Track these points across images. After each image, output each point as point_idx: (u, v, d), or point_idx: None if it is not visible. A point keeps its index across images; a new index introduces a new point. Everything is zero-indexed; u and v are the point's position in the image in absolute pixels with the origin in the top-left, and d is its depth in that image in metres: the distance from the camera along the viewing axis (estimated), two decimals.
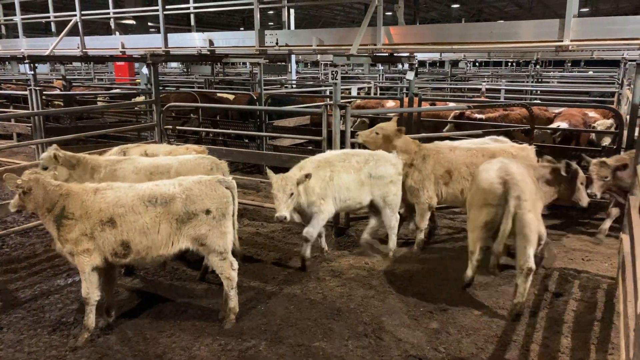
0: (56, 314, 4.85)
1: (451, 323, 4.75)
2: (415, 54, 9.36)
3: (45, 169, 5.38)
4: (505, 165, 4.92)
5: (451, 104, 11.49)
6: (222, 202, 4.50)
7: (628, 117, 7.77)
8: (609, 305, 5.03)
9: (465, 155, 6.33)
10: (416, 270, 5.89)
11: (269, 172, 5.46)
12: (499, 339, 4.47)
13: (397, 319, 4.82)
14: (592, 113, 10.45)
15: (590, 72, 24.47)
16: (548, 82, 20.87)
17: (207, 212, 4.41)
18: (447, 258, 6.29)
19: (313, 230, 5.75)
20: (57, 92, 13.68)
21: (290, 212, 5.36)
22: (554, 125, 9.19)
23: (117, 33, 13.30)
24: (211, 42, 10.14)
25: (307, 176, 5.39)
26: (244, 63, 29.09)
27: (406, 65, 9.40)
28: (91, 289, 4.30)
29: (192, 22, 12.17)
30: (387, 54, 8.83)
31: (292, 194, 5.31)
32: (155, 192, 4.39)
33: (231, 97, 13.52)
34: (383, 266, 6.00)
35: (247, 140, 11.22)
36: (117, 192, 4.37)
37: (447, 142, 6.75)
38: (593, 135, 9.46)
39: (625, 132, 7.52)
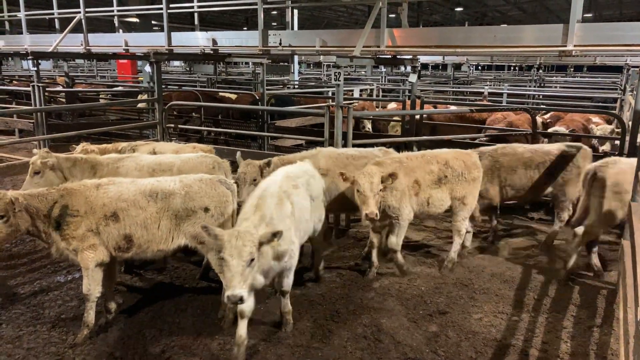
0: (56, 310, 4.85)
1: (450, 326, 4.75)
2: (418, 56, 9.39)
3: (37, 173, 5.39)
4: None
5: (452, 107, 11.50)
6: (222, 202, 4.52)
7: (630, 122, 7.76)
8: (609, 311, 5.02)
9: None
10: (416, 273, 5.88)
11: (210, 228, 3.79)
12: (498, 343, 4.47)
13: (396, 321, 4.81)
14: (595, 119, 10.47)
15: (588, 79, 24.46)
16: (550, 87, 20.89)
17: (206, 210, 4.45)
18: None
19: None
20: (60, 88, 13.69)
21: (249, 285, 3.72)
22: (551, 130, 9.18)
23: (121, 31, 13.33)
24: (214, 42, 10.16)
25: (276, 235, 3.76)
26: (247, 63, 29.14)
27: (409, 68, 9.43)
28: (93, 285, 4.31)
29: (196, 21, 12.19)
30: (390, 56, 8.84)
31: (252, 259, 3.66)
32: (156, 187, 4.45)
33: (233, 96, 13.54)
34: (382, 268, 6.00)
35: (249, 140, 11.22)
36: (119, 187, 4.42)
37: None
38: (595, 141, 9.45)
39: (627, 138, 7.52)
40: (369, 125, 11.35)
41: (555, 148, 6.57)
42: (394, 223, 5.54)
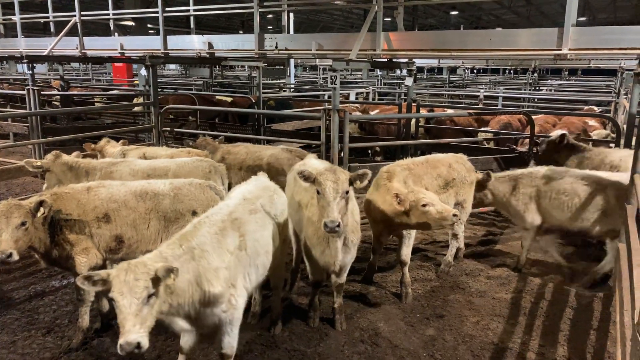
0: (51, 315, 4.82)
1: (447, 330, 4.75)
2: (413, 60, 9.40)
3: (46, 171, 5.50)
4: None
5: (449, 111, 11.53)
6: (210, 206, 4.48)
7: (625, 126, 7.80)
8: (606, 314, 5.03)
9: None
10: (412, 276, 5.87)
11: (92, 274, 2.94)
12: (495, 347, 4.47)
13: (394, 325, 4.81)
14: (591, 122, 10.51)
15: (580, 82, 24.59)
16: (545, 90, 20.98)
17: (194, 213, 4.45)
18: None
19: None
20: (55, 92, 13.64)
21: (146, 330, 2.87)
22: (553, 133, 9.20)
23: (116, 34, 13.29)
24: (210, 45, 10.13)
25: (171, 271, 2.94)
26: (243, 66, 29.10)
27: (405, 71, 9.43)
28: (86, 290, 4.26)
29: (192, 25, 12.17)
30: (386, 60, 8.85)
31: (150, 295, 2.90)
32: (145, 188, 4.50)
33: (229, 99, 13.53)
34: (379, 272, 5.98)
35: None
36: (109, 189, 4.44)
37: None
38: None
39: (622, 141, 7.56)
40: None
41: None
42: (403, 234, 5.31)
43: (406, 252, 5.33)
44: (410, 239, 5.33)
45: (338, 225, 3.79)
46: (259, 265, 3.82)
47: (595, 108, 14.31)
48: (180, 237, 3.40)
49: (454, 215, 4.52)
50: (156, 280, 2.90)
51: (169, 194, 4.48)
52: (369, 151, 11.68)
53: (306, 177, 4.06)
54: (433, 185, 5.55)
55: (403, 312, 5.06)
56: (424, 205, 4.58)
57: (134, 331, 2.78)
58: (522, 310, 5.11)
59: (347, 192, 3.94)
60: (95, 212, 4.27)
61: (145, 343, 2.80)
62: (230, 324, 3.51)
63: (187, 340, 3.57)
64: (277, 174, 6.35)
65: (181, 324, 3.31)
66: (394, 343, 4.50)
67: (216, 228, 3.55)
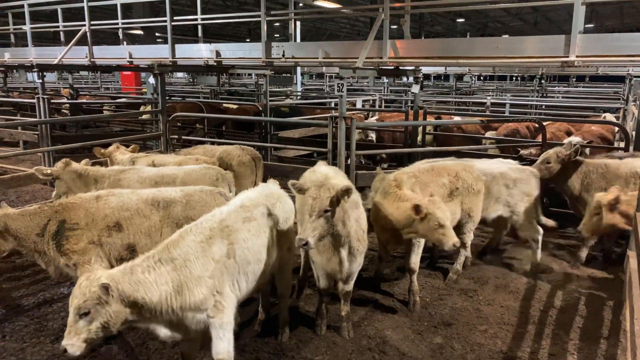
0: (59, 322, 4.83)
1: (455, 338, 4.72)
2: (420, 67, 9.43)
3: (56, 178, 5.55)
4: None
5: (456, 118, 11.52)
6: None
7: (634, 133, 7.76)
8: (616, 322, 4.98)
9: None
10: (420, 284, 5.85)
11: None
12: (504, 355, 4.43)
13: (401, 333, 4.78)
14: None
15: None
16: (553, 97, 20.90)
17: None
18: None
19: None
20: (64, 100, 13.78)
21: (80, 340, 3.11)
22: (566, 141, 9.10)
23: (125, 43, 13.44)
24: (218, 53, 10.23)
25: (106, 288, 3.08)
26: (250, 74, 29.27)
27: (411, 79, 9.45)
28: None
29: (200, 33, 12.28)
30: (392, 67, 8.88)
31: (84, 314, 3.11)
32: (157, 196, 4.51)
33: (235, 107, 13.60)
34: (387, 280, 5.97)
35: None
36: (120, 197, 4.44)
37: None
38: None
39: (631, 148, 7.51)
40: (372, 135, 11.37)
41: None
42: (412, 242, 5.25)
43: (415, 260, 5.29)
44: (420, 247, 5.29)
45: (306, 244, 3.83)
46: (249, 273, 3.82)
47: (610, 116, 14.09)
48: (163, 248, 3.48)
49: (453, 244, 4.61)
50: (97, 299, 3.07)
51: (181, 201, 4.49)
52: (377, 158, 11.69)
53: (299, 190, 4.12)
54: (439, 193, 5.50)
55: (411, 320, 5.04)
56: (439, 225, 4.63)
57: (67, 338, 3.10)
58: (531, 318, 5.07)
59: (326, 211, 3.90)
60: (106, 221, 4.27)
61: (72, 351, 3.09)
62: (221, 328, 3.54)
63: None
64: (226, 168, 6.57)
65: (165, 331, 3.44)
66: (402, 351, 4.48)
67: (202, 236, 3.59)
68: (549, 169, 6.35)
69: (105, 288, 3.04)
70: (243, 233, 3.79)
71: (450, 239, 4.62)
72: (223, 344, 3.57)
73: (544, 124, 11.40)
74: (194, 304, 3.38)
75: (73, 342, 3.08)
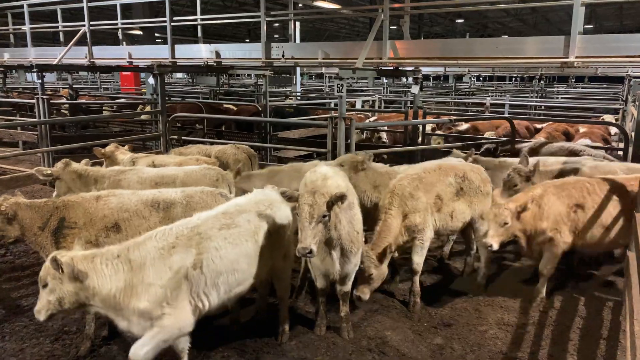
0: (59, 323, 4.82)
1: (455, 339, 4.72)
2: (419, 68, 9.43)
3: (56, 179, 5.53)
4: None
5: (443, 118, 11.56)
6: None
7: (633, 133, 7.77)
8: (616, 323, 4.99)
9: None
10: (420, 285, 5.85)
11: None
12: (504, 356, 4.43)
13: (401, 333, 4.78)
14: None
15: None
16: (552, 98, 20.93)
17: None
18: (452, 273, 6.25)
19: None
20: (64, 100, 13.79)
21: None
22: (578, 142, 9.04)
23: (125, 43, 13.43)
24: (218, 54, 10.21)
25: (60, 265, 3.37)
26: (249, 74, 29.29)
27: (411, 79, 9.46)
28: None
29: (199, 34, 12.28)
30: (392, 68, 8.88)
31: (46, 286, 3.50)
32: (157, 197, 4.51)
33: (235, 108, 13.62)
34: (387, 281, 5.96)
35: None
36: (119, 198, 4.43)
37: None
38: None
39: (630, 149, 7.52)
40: (384, 137, 11.38)
41: None
42: (416, 243, 5.20)
43: (418, 261, 5.24)
44: (423, 248, 5.24)
45: (310, 252, 3.73)
46: (220, 284, 3.67)
47: (610, 117, 14.08)
48: (126, 246, 3.52)
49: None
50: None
51: (181, 202, 4.48)
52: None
53: (289, 198, 4.06)
54: (447, 193, 5.41)
55: (410, 320, 5.04)
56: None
57: (36, 305, 3.46)
58: (531, 319, 5.07)
59: (324, 217, 3.83)
60: (104, 221, 4.26)
61: (37, 317, 3.44)
62: (155, 337, 3.42)
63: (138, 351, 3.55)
64: (222, 167, 6.64)
65: (123, 323, 3.48)
66: (402, 352, 4.48)
67: (165, 243, 3.51)
68: (517, 191, 5.93)
69: (55, 261, 3.28)
70: (217, 241, 3.66)
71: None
72: (146, 348, 3.40)
73: (544, 124, 11.48)
74: (137, 310, 3.37)
75: (38, 308, 3.42)
